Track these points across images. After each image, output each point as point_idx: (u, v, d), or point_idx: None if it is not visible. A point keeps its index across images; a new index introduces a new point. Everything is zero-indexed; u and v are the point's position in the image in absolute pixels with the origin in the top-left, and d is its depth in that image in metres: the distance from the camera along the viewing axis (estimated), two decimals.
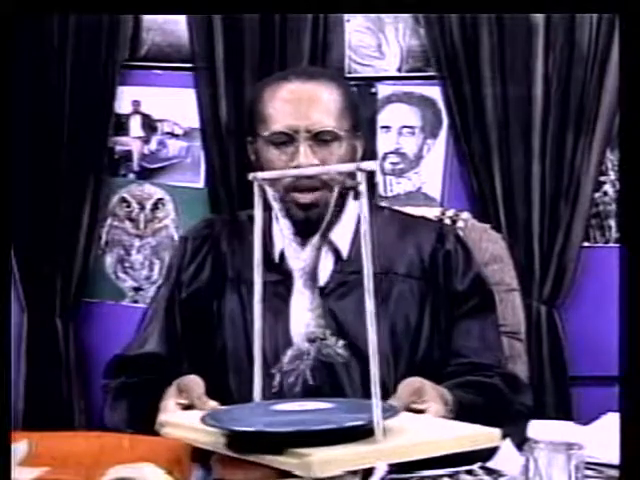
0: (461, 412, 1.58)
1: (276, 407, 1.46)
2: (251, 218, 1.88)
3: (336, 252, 1.80)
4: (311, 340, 1.44)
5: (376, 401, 1.31)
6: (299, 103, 1.75)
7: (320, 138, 1.75)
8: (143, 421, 1.61)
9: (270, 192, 1.49)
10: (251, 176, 1.49)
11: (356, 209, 1.80)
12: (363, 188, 1.35)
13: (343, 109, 1.78)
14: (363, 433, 1.32)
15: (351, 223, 1.80)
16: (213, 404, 1.55)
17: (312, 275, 1.48)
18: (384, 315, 1.73)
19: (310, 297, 1.46)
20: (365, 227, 1.35)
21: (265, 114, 1.78)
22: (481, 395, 1.68)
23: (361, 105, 2.66)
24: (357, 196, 1.35)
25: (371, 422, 1.32)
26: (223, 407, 1.54)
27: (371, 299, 1.33)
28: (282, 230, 1.56)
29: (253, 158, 1.83)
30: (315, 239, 1.54)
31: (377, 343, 1.32)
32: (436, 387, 1.60)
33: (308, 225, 1.69)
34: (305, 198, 1.74)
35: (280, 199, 1.66)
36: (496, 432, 1.39)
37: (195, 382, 1.59)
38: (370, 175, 1.35)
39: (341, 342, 1.54)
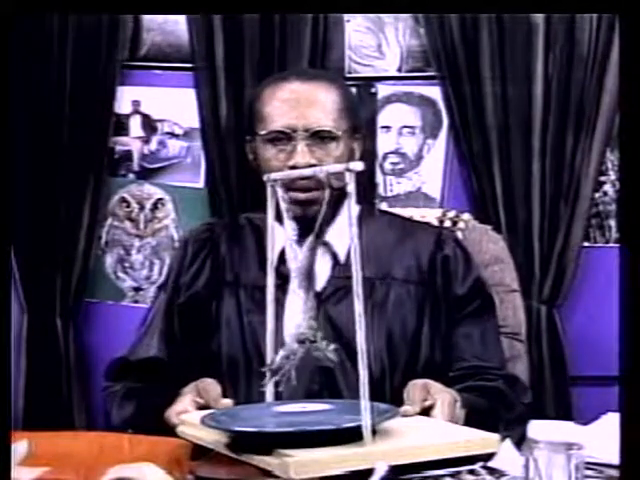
0: (469, 412, 1.58)
1: (278, 408, 1.46)
2: (250, 221, 1.89)
3: (334, 256, 1.80)
4: (300, 341, 1.44)
5: (365, 404, 1.31)
6: (298, 103, 1.76)
7: (318, 137, 1.76)
8: (150, 424, 1.61)
9: (280, 193, 1.50)
10: (265, 177, 1.52)
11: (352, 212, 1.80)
12: (351, 189, 1.36)
13: (341, 110, 1.79)
14: (361, 435, 1.32)
15: (348, 226, 1.80)
16: (227, 402, 1.56)
17: (307, 276, 1.48)
18: (381, 319, 1.74)
19: (304, 298, 1.46)
20: (354, 229, 1.35)
21: (264, 113, 1.78)
22: (484, 398, 1.68)
23: (361, 105, 2.69)
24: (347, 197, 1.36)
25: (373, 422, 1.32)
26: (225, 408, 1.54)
27: (360, 302, 1.33)
28: (287, 232, 1.56)
29: (251, 157, 1.84)
30: (309, 240, 1.54)
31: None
32: (439, 384, 1.61)
33: (306, 223, 1.69)
34: (303, 196, 1.74)
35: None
36: (493, 437, 1.39)
37: (213, 385, 1.61)
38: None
39: (332, 346, 1.54)
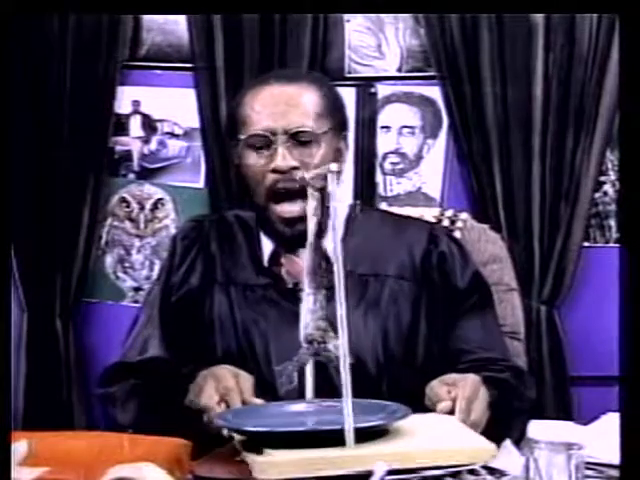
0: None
1: (289, 408, 1.46)
2: (238, 218, 1.90)
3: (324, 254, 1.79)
4: (308, 342, 1.44)
5: (347, 409, 1.31)
6: (277, 105, 1.76)
7: (298, 139, 1.75)
8: (157, 421, 1.61)
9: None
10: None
11: (342, 211, 1.81)
12: (332, 189, 1.38)
13: (323, 110, 1.78)
14: (371, 434, 1.32)
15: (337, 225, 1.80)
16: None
17: (314, 276, 1.48)
18: (376, 316, 1.74)
19: (313, 298, 1.46)
20: (335, 230, 1.38)
21: (244, 117, 1.78)
22: (495, 390, 1.67)
23: (361, 105, 2.69)
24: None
25: (384, 422, 1.32)
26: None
27: (342, 306, 1.34)
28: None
29: (237, 162, 1.83)
30: (311, 241, 1.54)
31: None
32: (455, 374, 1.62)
33: (296, 239, 1.70)
34: (290, 212, 1.74)
35: (263, 209, 1.72)
36: (490, 447, 1.38)
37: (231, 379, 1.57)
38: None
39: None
